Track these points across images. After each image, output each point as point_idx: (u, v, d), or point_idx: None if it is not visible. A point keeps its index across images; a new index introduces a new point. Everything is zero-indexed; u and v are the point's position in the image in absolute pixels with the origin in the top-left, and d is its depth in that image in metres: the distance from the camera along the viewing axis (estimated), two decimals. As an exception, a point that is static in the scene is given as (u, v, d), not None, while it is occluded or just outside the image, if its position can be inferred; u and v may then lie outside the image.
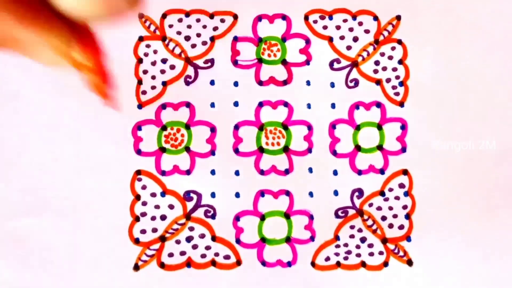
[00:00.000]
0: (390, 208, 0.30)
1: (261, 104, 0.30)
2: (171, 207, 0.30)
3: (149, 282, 0.29)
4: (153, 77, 0.30)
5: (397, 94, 0.30)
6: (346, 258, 0.30)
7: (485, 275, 0.30)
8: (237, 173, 0.30)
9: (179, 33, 0.30)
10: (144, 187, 0.29)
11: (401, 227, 0.30)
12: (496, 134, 0.30)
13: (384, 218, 0.30)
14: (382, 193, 0.30)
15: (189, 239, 0.29)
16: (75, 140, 0.29)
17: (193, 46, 0.30)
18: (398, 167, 0.30)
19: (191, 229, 0.30)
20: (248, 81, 0.30)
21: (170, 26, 0.30)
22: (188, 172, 0.30)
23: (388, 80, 0.30)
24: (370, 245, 0.30)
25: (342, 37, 0.30)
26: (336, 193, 0.30)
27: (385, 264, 0.30)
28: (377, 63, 0.30)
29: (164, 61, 0.30)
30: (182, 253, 0.29)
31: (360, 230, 0.30)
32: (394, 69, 0.30)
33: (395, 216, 0.30)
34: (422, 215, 0.30)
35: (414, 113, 0.30)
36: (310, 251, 0.30)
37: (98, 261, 0.29)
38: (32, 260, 0.29)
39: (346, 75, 0.30)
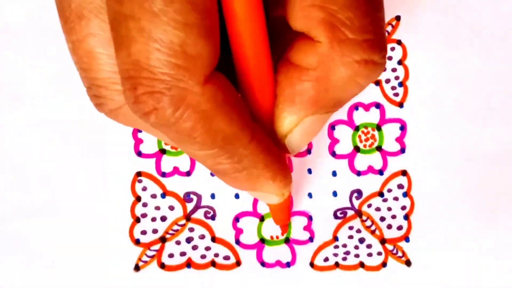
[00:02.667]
0: (389, 209, 0.30)
1: (260, 106, 0.30)
2: (171, 208, 0.30)
3: (150, 283, 0.29)
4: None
5: (396, 94, 0.30)
6: (344, 259, 0.30)
7: (485, 275, 0.30)
8: (236, 174, 0.30)
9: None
10: (144, 189, 0.30)
11: (399, 227, 0.30)
12: (496, 134, 0.30)
13: (382, 219, 0.30)
14: (381, 194, 0.30)
15: (189, 240, 0.30)
16: (76, 142, 0.29)
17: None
18: (397, 168, 0.30)
19: (191, 230, 0.30)
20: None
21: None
22: (188, 174, 0.30)
23: (388, 81, 0.30)
24: (369, 246, 0.30)
25: (341, 38, 0.30)
26: (335, 194, 0.30)
27: (384, 264, 0.30)
28: (376, 64, 0.30)
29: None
30: (182, 253, 0.30)
31: (358, 231, 0.30)
32: (394, 70, 0.30)
33: (393, 217, 0.30)
34: (420, 216, 0.30)
35: (413, 113, 0.30)
36: (309, 252, 0.30)
37: (98, 262, 0.29)
38: (33, 261, 0.29)
39: (345, 76, 0.30)
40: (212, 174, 0.30)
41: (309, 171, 0.30)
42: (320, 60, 0.17)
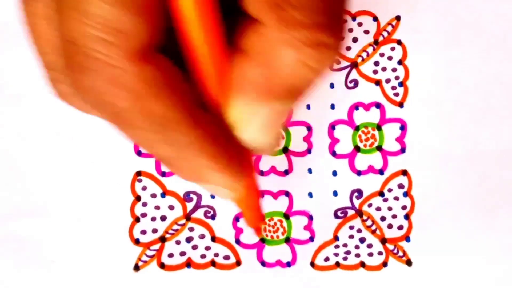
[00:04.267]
0: (389, 209, 0.30)
1: (260, 105, 0.30)
2: (171, 207, 0.30)
3: (149, 283, 0.29)
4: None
5: (396, 94, 0.30)
6: (345, 259, 0.30)
7: (485, 275, 0.30)
8: (236, 173, 0.30)
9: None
10: (144, 188, 0.30)
11: (400, 227, 0.30)
12: (496, 134, 0.30)
13: (383, 218, 0.30)
14: (381, 194, 0.30)
15: (189, 239, 0.30)
16: (76, 141, 0.29)
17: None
18: (397, 167, 0.30)
19: (191, 229, 0.30)
20: (247, 82, 0.30)
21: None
22: (188, 173, 0.30)
23: (388, 81, 0.30)
24: (369, 246, 0.30)
25: (341, 38, 0.30)
26: (335, 193, 0.30)
27: (384, 264, 0.30)
28: (376, 63, 0.31)
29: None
30: (182, 253, 0.30)
31: (359, 231, 0.30)
32: (394, 70, 0.30)
33: (394, 216, 0.30)
34: (421, 216, 0.30)
35: (413, 113, 0.30)
36: (309, 252, 0.30)
37: (98, 262, 0.29)
38: (32, 261, 0.29)
39: (345, 76, 0.30)
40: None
41: (309, 170, 0.30)
42: (267, 45, 0.15)
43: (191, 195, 0.30)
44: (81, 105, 0.18)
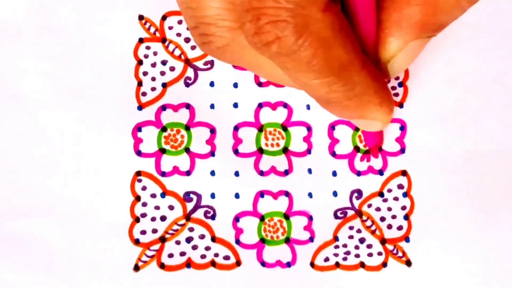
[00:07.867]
0: (389, 209, 0.30)
1: (260, 105, 0.30)
2: (171, 208, 0.30)
3: (149, 283, 0.29)
4: (153, 79, 0.30)
5: (396, 95, 0.30)
6: (345, 259, 0.30)
7: (485, 275, 0.30)
8: (236, 174, 0.30)
9: (179, 35, 0.30)
10: (144, 188, 0.30)
11: (400, 227, 0.30)
12: (496, 134, 0.30)
13: (383, 219, 0.30)
14: (381, 194, 0.30)
15: (189, 239, 0.30)
16: (75, 141, 0.29)
17: (193, 48, 0.30)
18: (397, 168, 0.30)
19: (191, 229, 0.30)
20: (247, 83, 0.30)
21: (170, 28, 0.30)
22: (188, 173, 0.30)
23: (387, 81, 0.30)
24: (369, 246, 0.30)
25: (341, 38, 0.30)
26: (335, 194, 0.30)
27: (384, 264, 0.30)
28: (376, 63, 0.30)
29: (164, 62, 0.30)
30: (182, 253, 0.30)
31: (359, 231, 0.30)
32: (394, 70, 0.30)
33: (394, 217, 0.30)
34: (421, 216, 0.30)
35: (413, 114, 0.30)
36: (309, 252, 0.30)
37: (98, 262, 0.29)
38: (32, 260, 0.29)
39: (345, 76, 0.30)
40: (212, 174, 0.30)
41: (309, 171, 0.30)
42: None
43: (191, 195, 0.30)
44: (236, 57, 0.20)
